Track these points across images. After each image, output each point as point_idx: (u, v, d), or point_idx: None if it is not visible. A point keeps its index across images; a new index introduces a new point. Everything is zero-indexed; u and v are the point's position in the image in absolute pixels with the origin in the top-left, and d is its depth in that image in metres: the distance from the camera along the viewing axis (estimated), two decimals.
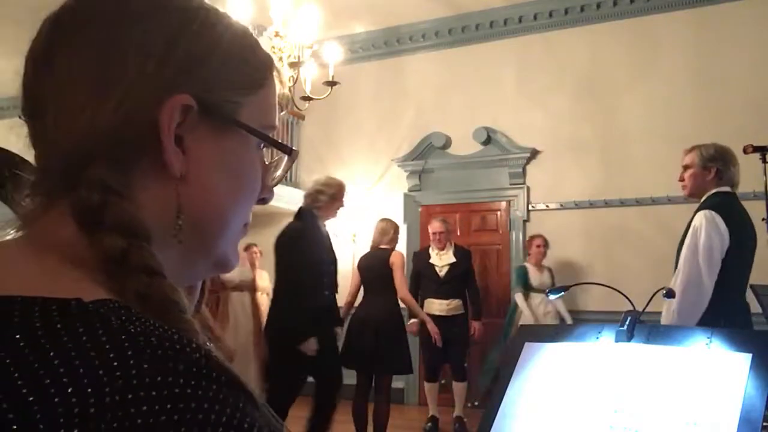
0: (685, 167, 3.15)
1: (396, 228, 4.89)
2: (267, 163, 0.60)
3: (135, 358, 0.38)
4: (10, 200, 0.52)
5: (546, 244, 5.97)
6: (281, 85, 0.60)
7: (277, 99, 0.59)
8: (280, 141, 0.58)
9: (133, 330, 0.40)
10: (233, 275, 5.08)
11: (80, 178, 0.48)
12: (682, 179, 3.17)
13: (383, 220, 4.99)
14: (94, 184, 0.47)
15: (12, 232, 0.50)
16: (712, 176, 3.05)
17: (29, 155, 0.53)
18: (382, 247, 4.73)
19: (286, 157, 0.62)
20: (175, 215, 0.51)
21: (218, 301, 5.17)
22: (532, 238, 6.06)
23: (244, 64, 0.55)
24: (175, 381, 0.38)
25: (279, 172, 0.62)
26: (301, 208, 4.02)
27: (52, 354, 0.37)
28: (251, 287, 5.58)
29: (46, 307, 0.40)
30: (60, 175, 0.48)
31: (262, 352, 4.29)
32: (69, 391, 0.36)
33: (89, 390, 0.36)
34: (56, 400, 0.35)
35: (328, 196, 3.98)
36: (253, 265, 6.00)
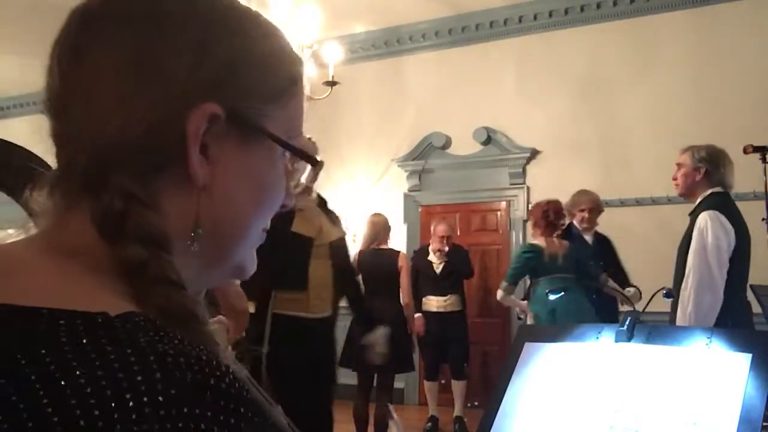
0: (679, 166, 3.18)
1: (385, 222, 4.91)
2: (290, 168, 0.59)
3: (163, 382, 0.37)
4: (26, 198, 0.50)
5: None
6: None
7: (304, 105, 0.58)
8: (307, 153, 0.57)
9: (161, 349, 0.39)
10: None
11: (103, 183, 0.47)
12: (675, 178, 3.20)
13: (377, 215, 4.95)
14: (118, 190, 0.46)
15: (21, 231, 0.49)
16: (702, 177, 3.08)
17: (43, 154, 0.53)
18: (384, 246, 4.72)
19: (309, 168, 0.60)
20: (193, 225, 0.50)
21: None
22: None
23: (276, 72, 0.54)
24: (203, 413, 0.37)
25: (303, 180, 0.61)
26: None
27: (78, 372, 0.36)
28: None
29: (72, 322, 0.39)
30: (82, 177, 0.48)
31: None
32: (94, 410, 0.35)
33: (113, 405, 0.35)
34: (82, 423, 0.35)
35: None
36: None
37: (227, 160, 0.51)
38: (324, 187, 7.67)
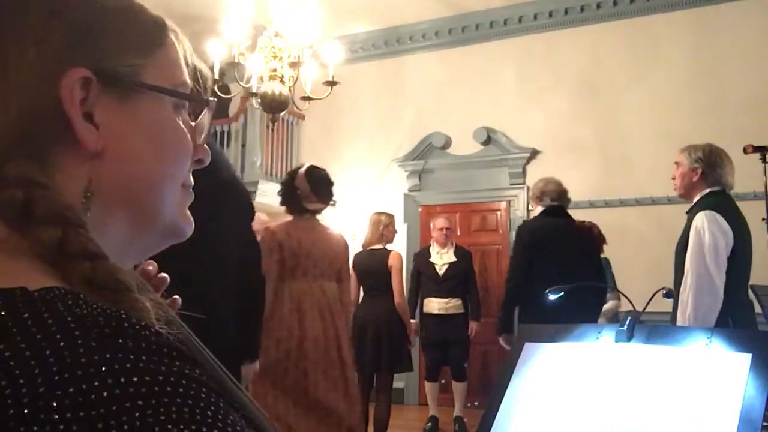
0: (677, 165, 3.18)
1: (390, 220, 4.82)
2: (193, 124, 0.59)
3: (83, 338, 0.38)
4: None
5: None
6: (180, 45, 0.58)
7: (182, 57, 0.57)
8: (192, 94, 0.57)
9: (79, 312, 0.39)
10: None
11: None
12: (673, 177, 3.20)
13: (375, 213, 4.93)
14: (14, 181, 0.46)
15: None
16: (698, 177, 3.08)
17: None
18: (376, 247, 4.70)
19: (207, 111, 0.60)
20: (83, 191, 0.50)
21: None
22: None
23: (133, 26, 0.54)
24: (125, 356, 0.37)
25: (205, 129, 0.60)
26: None
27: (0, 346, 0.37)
28: None
29: None
30: None
31: None
32: (16, 372, 0.35)
33: (37, 371, 0.36)
34: (3, 382, 0.35)
35: None
36: None
37: (114, 120, 0.51)
38: None
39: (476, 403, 5.90)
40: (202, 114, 0.59)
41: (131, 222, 0.53)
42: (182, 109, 0.57)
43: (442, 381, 5.76)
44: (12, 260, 0.45)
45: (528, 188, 6.74)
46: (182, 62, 0.57)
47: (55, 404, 0.35)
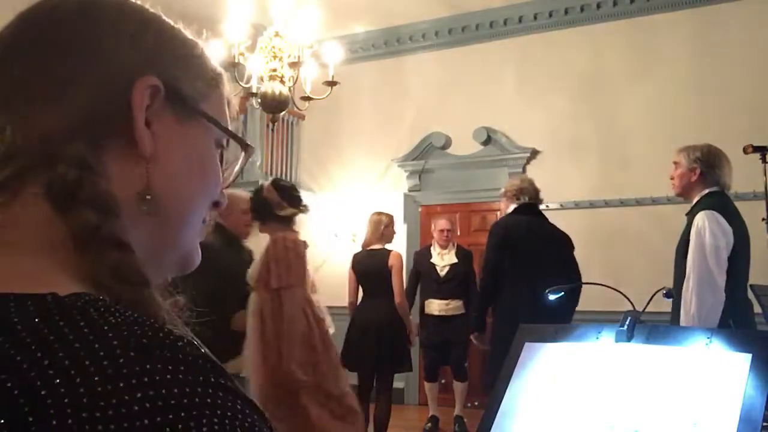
0: (675, 166, 3.18)
1: (390, 220, 4.81)
2: (224, 156, 0.62)
3: (122, 348, 0.38)
4: None
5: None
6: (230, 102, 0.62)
7: (227, 110, 0.61)
8: (239, 136, 0.60)
9: (113, 321, 0.40)
10: None
11: (58, 155, 0.48)
12: (672, 177, 3.21)
13: (375, 213, 4.92)
14: (73, 160, 0.48)
15: None
16: (697, 177, 3.08)
17: None
18: (376, 247, 4.69)
19: (242, 156, 0.63)
20: (144, 190, 0.52)
21: None
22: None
23: (205, 61, 0.59)
24: (165, 368, 0.38)
25: (236, 168, 0.63)
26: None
27: (34, 348, 0.37)
28: None
29: (22, 304, 0.40)
30: (37, 155, 0.49)
31: None
32: (57, 382, 0.36)
33: (78, 380, 0.36)
34: (43, 392, 0.35)
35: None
36: None
37: (169, 137, 0.53)
38: (324, 187, 7.73)
39: (476, 403, 5.89)
40: (235, 160, 0.63)
41: (155, 238, 0.54)
42: (219, 149, 0.60)
43: (443, 381, 5.76)
44: (41, 257, 0.46)
45: None
46: (226, 113, 0.61)
47: (98, 415, 0.35)
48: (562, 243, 4.04)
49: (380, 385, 4.57)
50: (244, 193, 3.64)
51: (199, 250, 0.60)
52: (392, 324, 4.49)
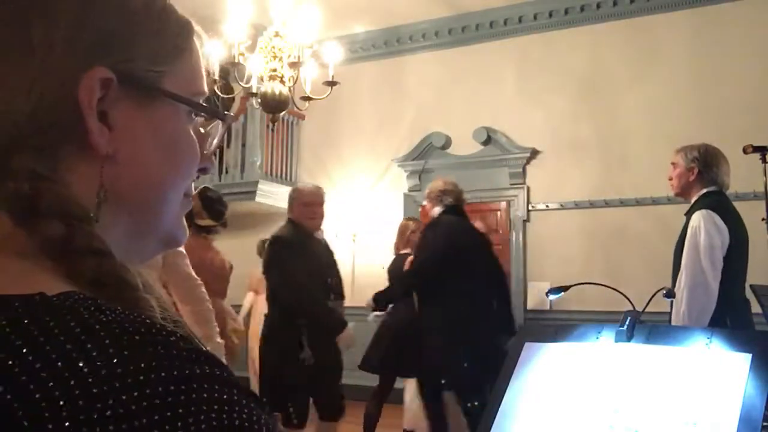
0: (674, 166, 3.19)
1: (418, 226, 4.87)
2: (203, 131, 0.59)
3: (114, 347, 0.37)
4: None
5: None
6: (202, 50, 0.58)
7: (203, 65, 0.57)
8: (211, 107, 0.57)
9: (105, 319, 0.39)
10: None
11: (4, 169, 0.46)
12: (670, 177, 3.22)
13: (405, 219, 5.10)
14: (21, 173, 0.46)
15: None
16: (695, 176, 3.09)
17: None
18: (403, 252, 4.77)
19: (220, 123, 0.60)
20: (97, 193, 0.49)
21: None
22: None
23: (159, 31, 0.53)
24: (160, 365, 0.37)
25: (215, 141, 0.60)
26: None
27: (25, 350, 0.36)
28: None
29: (8, 305, 0.39)
30: None
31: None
32: (50, 385, 0.35)
33: (72, 382, 0.35)
34: (37, 396, 0.35)
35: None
36: None
37: (130, 124, 0.50)
38: (324, 187, 7.71)
39: (476, 403, 5.88)
40: (213, 124, 0.59)
41: (132, 227, 0.53)
42: (195, 115, 0.57)
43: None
44: (18, 259, 0.44)
45: (528, 188, 6.76)
46: (202, 70, 0.57)
47: (96, 417, 0.35)
48: (488, 243, 4.22)
49: (384, 385, 4.59)
50: (309, 186, 3.82)
51: (184, 225, 0.58)
52: (411, 326, 4.51)
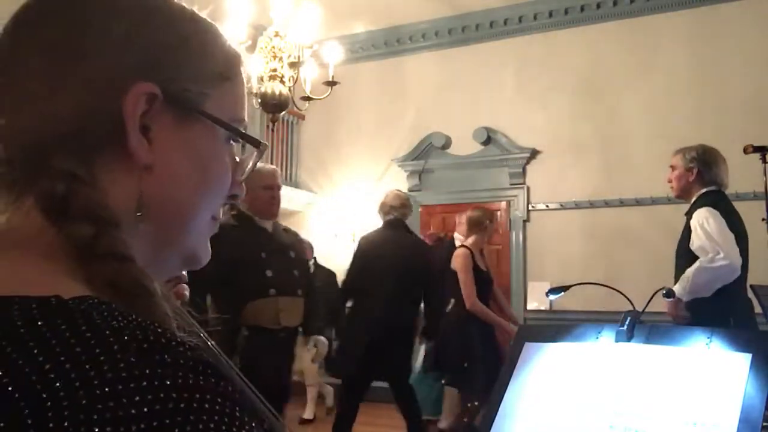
0: (672, 168, 3.21)
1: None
2: (238, 159, 0.60)
3: (122, 352, 0.38)
4: None
5: None
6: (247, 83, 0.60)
7: (245, 94, 0.59)
8: (249, 134, 0.59)
9: (116, 325, 0.40)
10: None
11: (43, 167, 0.47)
12: (670, 180, 3.23)
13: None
14: (58, 173, 0.47)
15: None
16: (695, 177, 3.11)
17: None
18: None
19: (255, 152, 0.61)
20: (137, 204, 0.51)
21: None
22: None
23: (209, 56, 0.55)
24: (165, 372, 0.38)
25: (249, 166, 0.61)
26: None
27: (36, 351, 0.37)
28: None
29: (25, 306, 0.40)
30: (23, 167, 0.48)
31: None
32: (56, 385, 0.36)
33: (77, 384, 0.36)
34: (44, 395, 0.35)
35: None
36: None
37: (168, 140, 0.52)
38: (324, 187, 7.72)
39: (476, 403, 5.88)
40: (251, 156, 0.61)
41: (156, 242, 0.54)
42: (232, 141, 0.58)
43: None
44: (44, 261, 0.45)
45: (528, 188, 6.76)
46: (245, 101, 0.59)
47: (96, 418, 0.35)
48: (420, 260, 4.21)
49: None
50: (267, 167, 3.32)
51: (208, 247, 0.59)
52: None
